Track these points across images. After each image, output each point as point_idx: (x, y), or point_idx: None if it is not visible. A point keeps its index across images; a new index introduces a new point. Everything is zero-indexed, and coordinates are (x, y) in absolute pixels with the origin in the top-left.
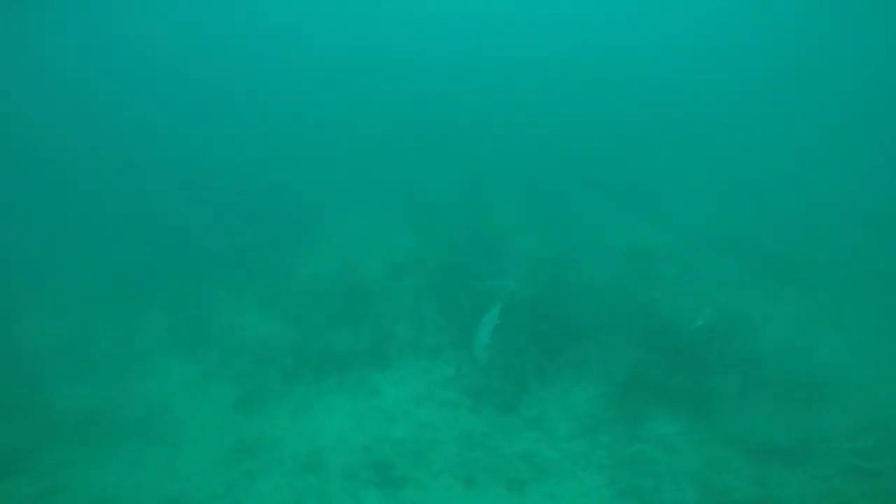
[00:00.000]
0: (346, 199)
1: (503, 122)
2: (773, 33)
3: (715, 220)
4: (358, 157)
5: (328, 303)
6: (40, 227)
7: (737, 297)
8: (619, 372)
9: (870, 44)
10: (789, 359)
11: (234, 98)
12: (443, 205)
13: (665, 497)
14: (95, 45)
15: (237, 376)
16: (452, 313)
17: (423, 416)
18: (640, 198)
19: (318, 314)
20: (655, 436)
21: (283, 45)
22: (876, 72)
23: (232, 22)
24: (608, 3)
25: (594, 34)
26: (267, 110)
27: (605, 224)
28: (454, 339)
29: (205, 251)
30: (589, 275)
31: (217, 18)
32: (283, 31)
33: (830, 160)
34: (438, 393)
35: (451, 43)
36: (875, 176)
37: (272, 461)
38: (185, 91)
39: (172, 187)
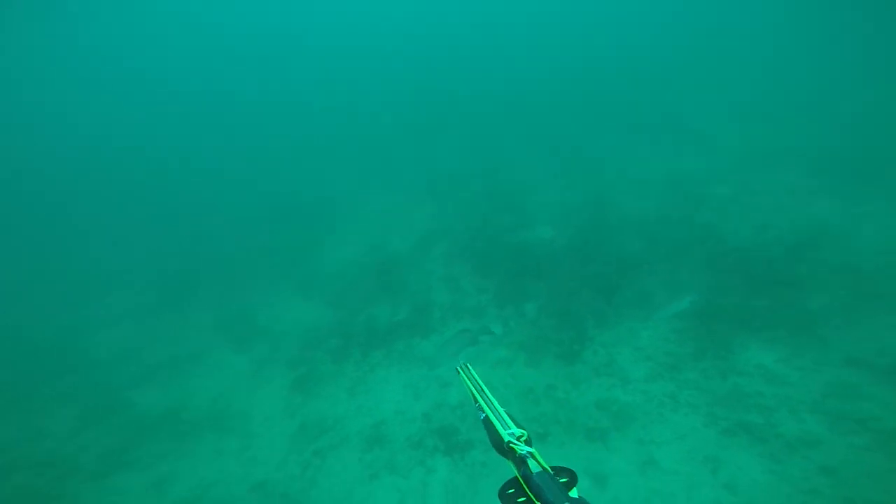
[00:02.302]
0: (366, 187)
1: (512, 85)
2: None
3: (760, 138)
4: (372, 146)
5: (363, 282)
6: (87, 246)
7: (810, 206)
8: (689, 303)
9: None
10: (893, 261)
11: (243, 106)
12: (461, 174)
13: (785, 431)
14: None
15: (289, 362)
16: (488, 271)
17: (478, 377)
18: (672, 130)
19: (354, 294)
20: (752, 367)
21: (285, 45)
22: None
23: (233, 22)
24: None
25: None
26: (278, 111)
27: (637, 159)
28: (495, 297)
29: (240, 252)
30: (630, 209)
31: (216, 18)
32: (282, 30)
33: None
34: (489, 353)
35: (447, 17)
36: None
37: (338, 439)
38: (201, 104)
39: (201, 198)
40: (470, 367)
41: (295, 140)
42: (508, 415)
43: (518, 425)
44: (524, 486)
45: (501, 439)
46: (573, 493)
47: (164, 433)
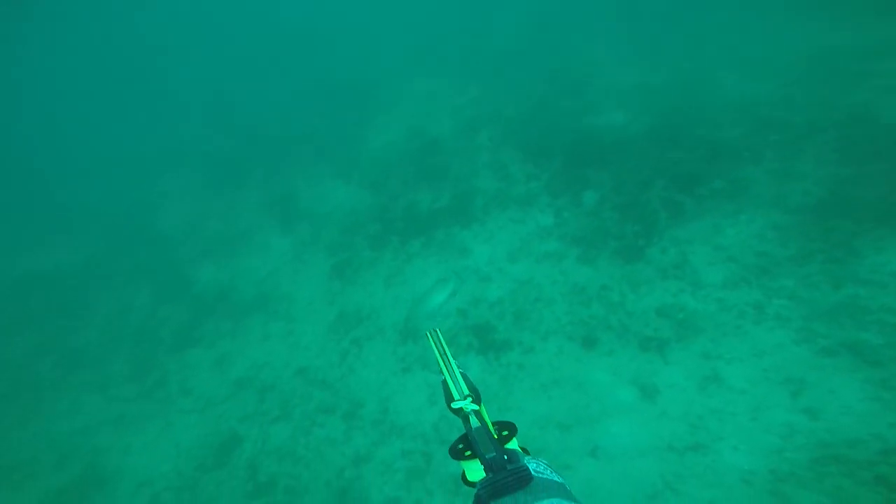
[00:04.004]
0: (410, 69)
1: None
2: None
3: None
4: (417, 24)
5: (404, 166)
6: (149, 133)
7: None
8: (804, 194)
9: None
10: None
11: None
12: (513, 53)
13: None
14: None
15: (329, 247)
16: (541, 158)
17: (521, 272)
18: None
19: (394, 178)
20: (883, 274)
21: None
22: None
23: None
24: None
25: None
26: None
27: (757, 35)
28: (548, 185)
29: (286, 134)
30: (736, 91)
31: None
32: None
33: None
34: (536, 245)
35: None
36: None
37: (373, 330)
38: None
39: (246, 81)
40: (439, 333)
41: (336, 22)
42: (463, 376)
43: (470, 386)
44: (470, 440)
45: (452, 399)
46: (513, 445)
47: (220, 312)
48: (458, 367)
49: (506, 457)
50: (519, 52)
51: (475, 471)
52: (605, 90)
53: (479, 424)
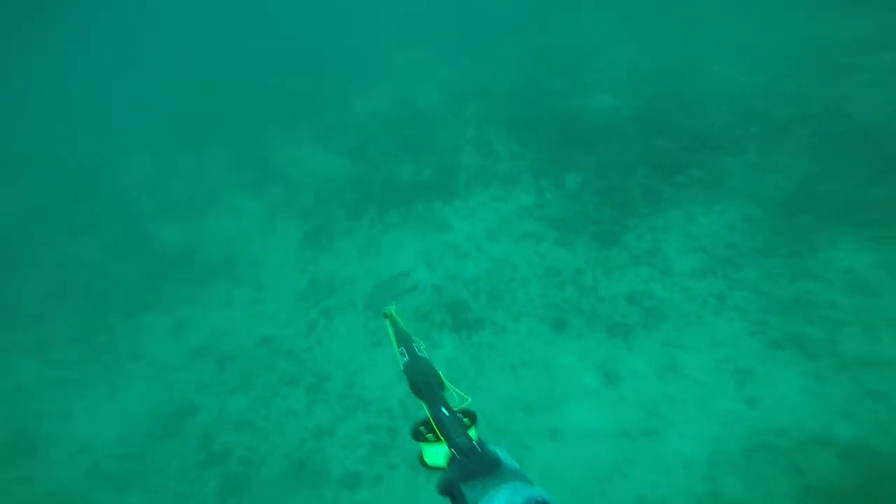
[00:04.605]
0: (396, 36)
1: None
2: None
3: None
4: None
5: (386, 136)
6: (120, 77)
7: None
8: (775, 188)
9: None
10: None
11: None
12: (506, 27)
13: (845, 349)
14: None
15: (302, 212)
16: (527, 137)
17: (499, 251)
18: None
19: (376, 147)
20: (834, 271)
21: None
22: None
23: None
24: None
25: None
26: None
27: (752, 22)
28: (532, 165)
29: (262, 92)
30: (727, 81)
31: None
32: None
33: None
34: (516, 224)
35: None
36: None
37: (345, 301)
38: None
39: (230, 34)
40: (394, 313)
41: None
42: (426, 366)
43: (432, 373)
44: (433, 424)
45: (418, 385)
46: (472, 433)
47: (181, 275)
48: (421, 352)
49: (475, 443)
50: (512, 27)
51: (435, 455)
52: (596, 72)
53: (446, 412)
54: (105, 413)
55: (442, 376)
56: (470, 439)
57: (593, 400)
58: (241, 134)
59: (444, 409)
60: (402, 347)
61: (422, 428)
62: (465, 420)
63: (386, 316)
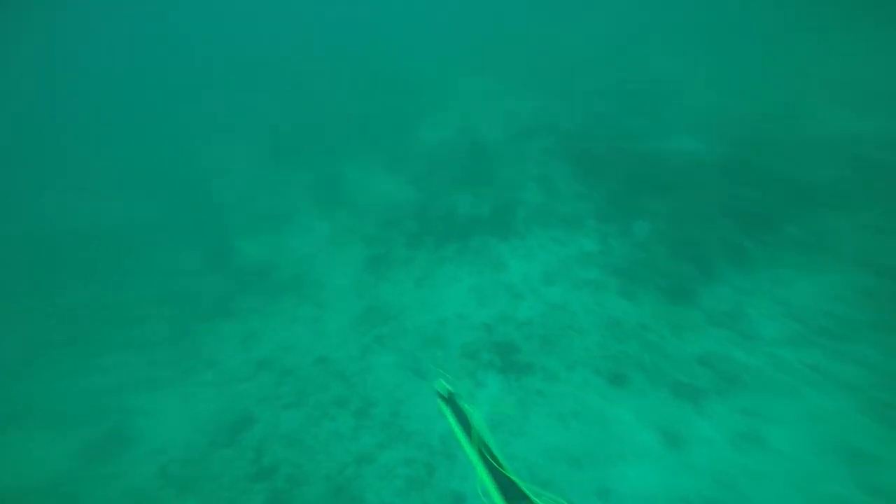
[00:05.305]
0: (467, 66)
1: None
2: None
3: None
4: (476, 23)
5: (449, 166)
6: (212, 102)
7: None
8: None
9: None
10: None
11: None
12: (580, 63)
13: None
14: None
15: (366, 238)
16: (594, 178)
17: (556, 296)
18: None
19: (439, 176)
20: None
21: None
22: None
23: None
24: None
25: None
26: None
27: (856, 57)
28: (597, 208)
29: (339, 120)
30: (829, 125)
31: None
32: None
33: None
34: (576, 270)
35: None
36: None
37: (398, 330)
38: None
39: (311, 65)
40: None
41: (399, 17)
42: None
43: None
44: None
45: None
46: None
47: (256, 288)
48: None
49: None
50: (585, 61)
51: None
52: (676, 112)
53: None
54: (179, 416)
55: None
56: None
57: (651, 462)
58: (320, 157)
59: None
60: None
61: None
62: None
63: (443, 397)
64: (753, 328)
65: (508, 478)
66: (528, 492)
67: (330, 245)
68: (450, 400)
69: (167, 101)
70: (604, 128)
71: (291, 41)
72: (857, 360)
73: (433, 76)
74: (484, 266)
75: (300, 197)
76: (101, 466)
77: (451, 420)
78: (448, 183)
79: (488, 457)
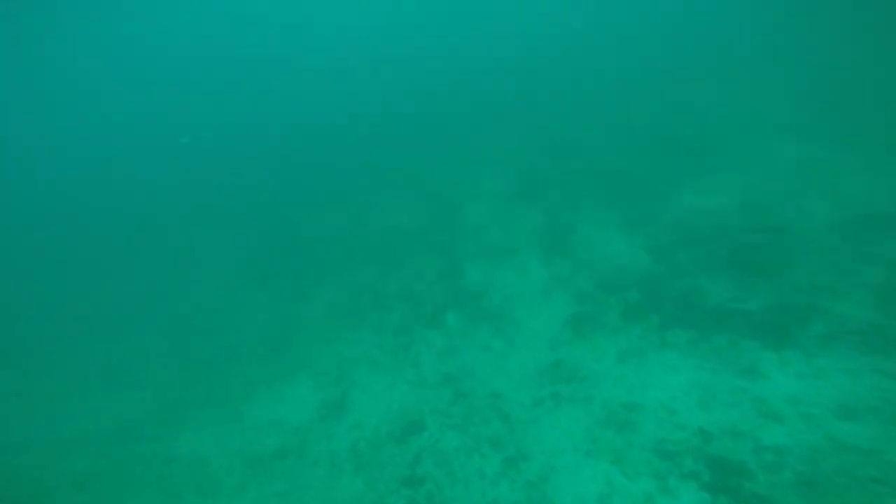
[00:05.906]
0: (774, 122)
1: None
2: None
3: None
4: (796, 64)
5: (709, 241)
6: (479, 140)
7: None
8: None
9: None
10: None
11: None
12: None
13: None
14: None
15: (578, 294)
16: None
17: (856, 434)
18: None
19: (688, 252)
20: None
21: None
22: None
23: None
24: None
25: None
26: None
27: None
28: None
29: (587, 173)
30: None
31: None
32: None
33: None
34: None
35: None
36: None
37: (581, 395)
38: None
39: (569, 113)
40: None
41: (678, 63)
42: None
43: None
44: None
45: None
46: None
47: (465, 309)
48: None
49: None
50: None
51: None
52: None
53: None
54: (380, 401)
55: None
56: None
57: None
58: (559, 201)
59: None
60: None
61: None
62: None
63: None
64: None
65: None
66: None
67: (539, 290)
68: None
69: (433, 140)
70: None
71: (550, 87)
72: None
73: (719, 133)
74: (724, 367)
75: (527, 235)
76: (324, 425)
77: None
78: (701, 260)
79: None
